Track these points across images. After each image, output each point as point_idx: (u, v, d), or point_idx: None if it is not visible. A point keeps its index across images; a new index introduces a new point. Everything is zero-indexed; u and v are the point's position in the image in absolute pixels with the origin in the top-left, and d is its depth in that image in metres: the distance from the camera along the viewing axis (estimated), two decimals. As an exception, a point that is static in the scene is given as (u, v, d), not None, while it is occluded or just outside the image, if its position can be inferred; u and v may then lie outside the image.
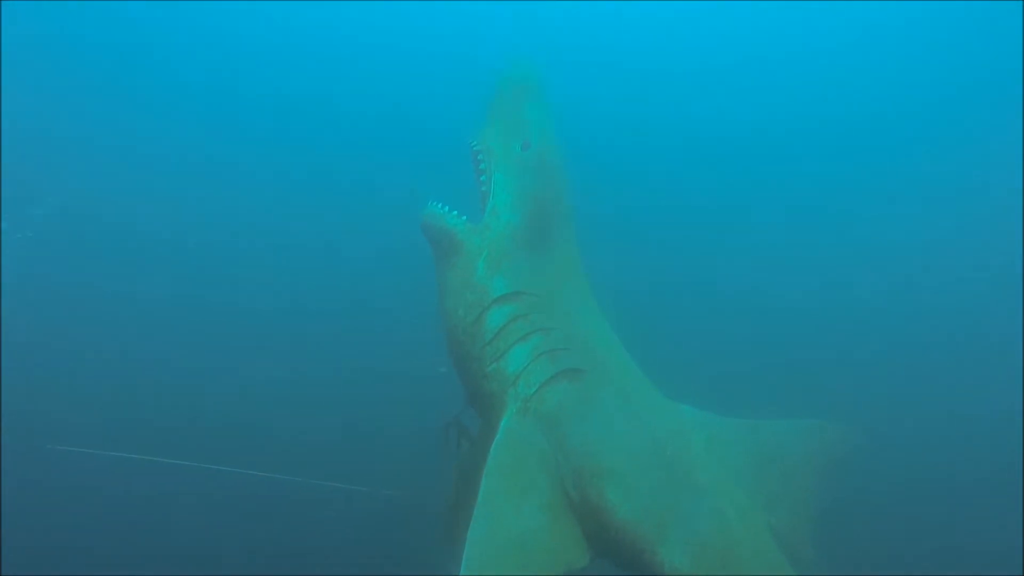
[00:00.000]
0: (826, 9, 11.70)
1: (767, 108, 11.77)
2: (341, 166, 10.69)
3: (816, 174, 11.36)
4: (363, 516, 6.43)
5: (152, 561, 6.67)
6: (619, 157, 9.84)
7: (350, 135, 11.02)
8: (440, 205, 3.96)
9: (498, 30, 10.76)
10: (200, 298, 10.22)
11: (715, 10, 11.95)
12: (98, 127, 11.67)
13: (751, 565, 3.75)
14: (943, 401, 8.35)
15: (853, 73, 11.99)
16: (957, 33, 11.31)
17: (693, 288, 8.99)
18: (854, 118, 11.76)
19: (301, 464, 6.38)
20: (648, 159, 10.80)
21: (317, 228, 10.40)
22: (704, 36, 12.16)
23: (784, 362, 8.09)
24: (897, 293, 9.75)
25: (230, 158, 11.74)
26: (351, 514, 6.48)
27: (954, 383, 8.52)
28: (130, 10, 12.50)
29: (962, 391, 8.42)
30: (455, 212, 3.93)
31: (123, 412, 8.35)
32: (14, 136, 10.17)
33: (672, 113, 11.57)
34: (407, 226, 4.13)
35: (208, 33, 13.16)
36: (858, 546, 4.04)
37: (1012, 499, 7.14)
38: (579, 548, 3.55)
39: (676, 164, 11.11)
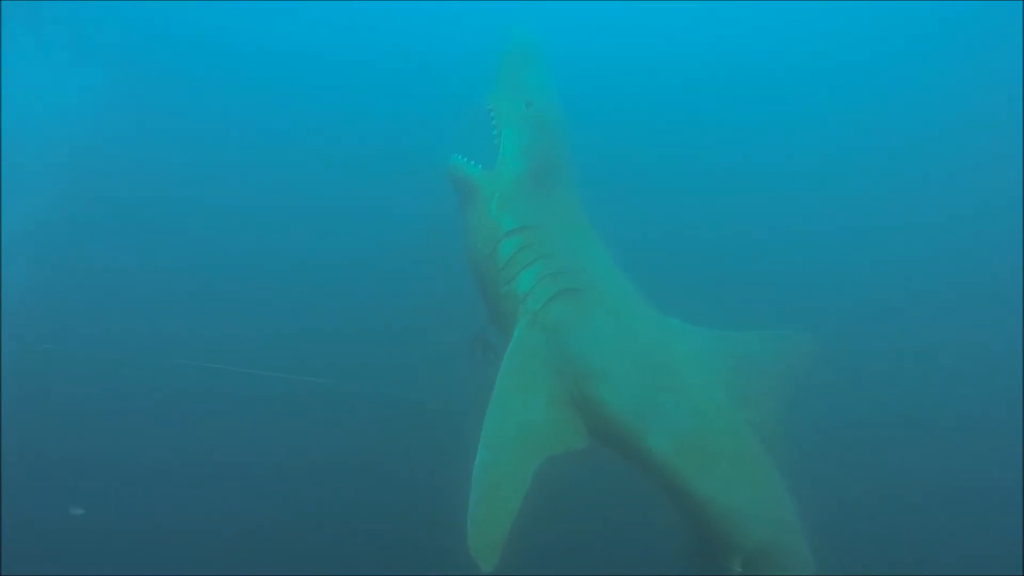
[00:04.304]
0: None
1: (751, 46, 11.86)
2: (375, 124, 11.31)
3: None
4: (393, 419, 7.14)
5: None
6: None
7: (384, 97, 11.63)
8: (461, 157, 4.67)
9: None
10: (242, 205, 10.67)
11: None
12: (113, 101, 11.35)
13: (727, 450, 4.41)
14: (941, 399, 8.44)
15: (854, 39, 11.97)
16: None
17: (689, 218, 9.43)
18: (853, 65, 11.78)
19: (336, 370, 6.92)
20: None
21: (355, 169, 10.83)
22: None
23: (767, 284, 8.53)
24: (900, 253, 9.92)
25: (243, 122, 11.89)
26: (384, 418, 7.16)
27: (951, 378, 8.58)
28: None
29: (960, 385, 8.48)
30: (473, 162, 4.64)
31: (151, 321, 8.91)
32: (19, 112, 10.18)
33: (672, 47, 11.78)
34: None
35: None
36: (857, 547, 4.43)
37: (1012, 499, 7.27)
38: (577, 434, 4.31)
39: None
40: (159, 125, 11.41)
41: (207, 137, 11.58)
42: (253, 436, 7.67)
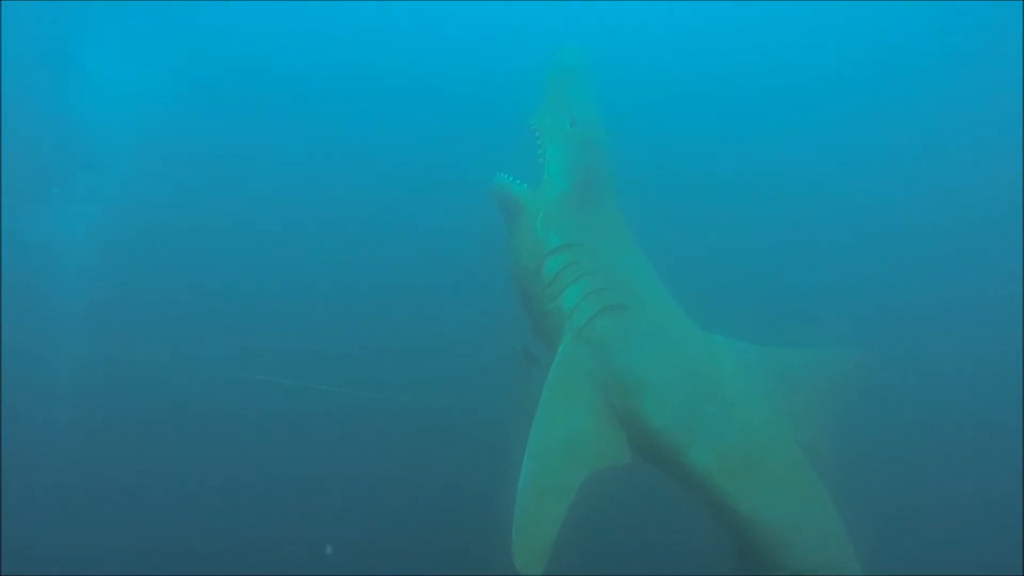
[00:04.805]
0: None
1: (795, 66, 11.82)
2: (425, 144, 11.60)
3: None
4: (441, 430, 7.27)
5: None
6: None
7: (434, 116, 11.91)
8: (506, 176, 4.80)
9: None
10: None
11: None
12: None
13: (773, 465, 4.38)
14: (941, 397, 8.34)
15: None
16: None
17: (727, 243, 9.42)
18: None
19: (387, 383, 7.24)
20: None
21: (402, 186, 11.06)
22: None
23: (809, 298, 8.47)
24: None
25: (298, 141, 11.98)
26: (432, 429, 7.30)
27: (951, 377, 8.46)
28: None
29: (960, 385, 8.39)
30: (518, 181, 4.75)
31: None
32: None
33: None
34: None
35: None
36: (856, 546, 4.43)
37: (1012, 499, 7.20)
38: (622, 448, 4.34)
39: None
40: (215, 147, 11.77)
41: (255, 155, 11.87)
42: (297, 446, 7.83)
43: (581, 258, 4.57)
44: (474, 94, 11.31)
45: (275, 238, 10.86)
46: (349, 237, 10.67)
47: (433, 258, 9.73)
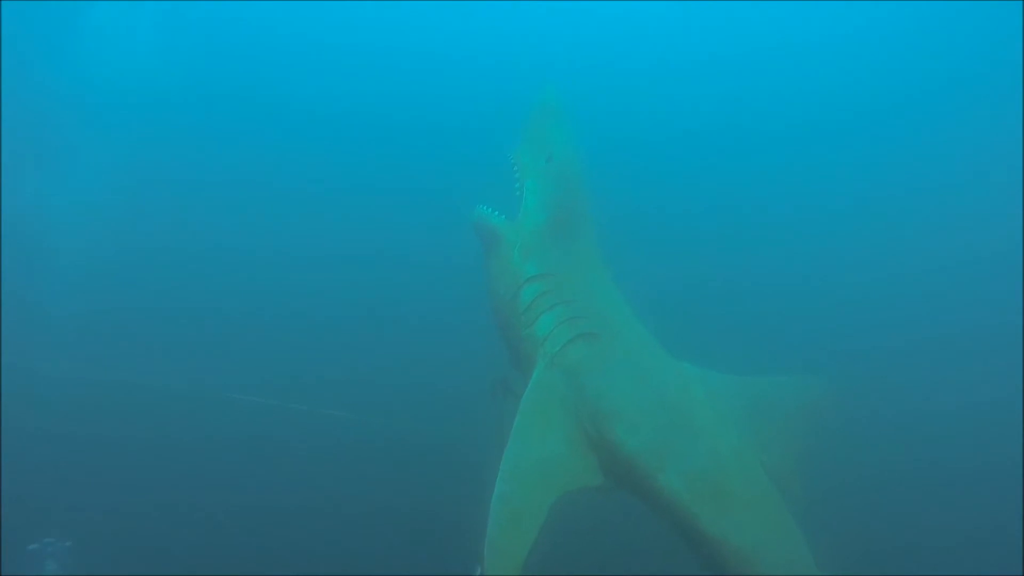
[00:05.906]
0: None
1: (769, 102, 12.05)
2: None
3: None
4: (417, 453, 7.44)
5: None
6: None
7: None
8: (485, 208, 5.01)
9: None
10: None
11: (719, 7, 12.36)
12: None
13: (741, 490, 4.49)
14: (941, 395, 8.43)
15: (853, 67, 12.09)
16: (958, 25, 11.30)
17: (700, 269, 9.56)
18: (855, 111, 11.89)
19: (368, 408, 7.38)
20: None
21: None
22: (709, 31, 12.49)
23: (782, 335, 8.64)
24: (896, 281, 9.87)
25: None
26: (409, 451, 7.47)
27: (953, 377, 8.55)
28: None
29: (961, 386, 8.46)
30: (497, 212, 4.96)
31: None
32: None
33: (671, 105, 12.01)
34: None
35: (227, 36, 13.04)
36: (856, 546, 4.48)
37: (1012, 497, 7.26)
38: (593, 472, 4.47)
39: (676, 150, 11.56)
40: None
41: (225, 187, 12.00)
42: (276, 465, 7.94)
43: (556, 287, 4.75)
44: (455, 128, 11.55)
45: (258, 263, 10.95)
46: (330, 264, 10.78)
47: (412, 286, 9.88)
